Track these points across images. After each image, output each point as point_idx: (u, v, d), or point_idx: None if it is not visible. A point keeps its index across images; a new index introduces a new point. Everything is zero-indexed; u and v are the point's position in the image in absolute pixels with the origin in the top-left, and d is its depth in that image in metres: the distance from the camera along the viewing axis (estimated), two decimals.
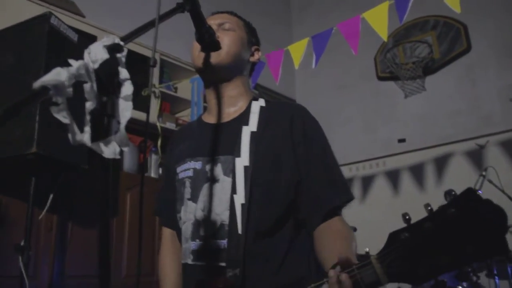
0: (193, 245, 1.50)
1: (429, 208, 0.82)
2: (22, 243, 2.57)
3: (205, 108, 3.89)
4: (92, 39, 3.46)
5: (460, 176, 5.01)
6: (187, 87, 4.20)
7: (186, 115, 4.38)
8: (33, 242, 2.82)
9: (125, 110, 1.00)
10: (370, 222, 5.16)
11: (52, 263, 3.04)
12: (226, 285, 1.34)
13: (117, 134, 0.97)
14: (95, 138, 0.96)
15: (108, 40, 1.02)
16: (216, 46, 1.59)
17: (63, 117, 0.89)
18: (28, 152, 2.51)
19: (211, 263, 1.44)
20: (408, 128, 5.65)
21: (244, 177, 1.46)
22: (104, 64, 0.97)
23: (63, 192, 3.03)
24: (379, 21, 3.01)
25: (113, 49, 1.01)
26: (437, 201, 4.72)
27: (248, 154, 1.49)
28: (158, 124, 3.92)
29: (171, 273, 1.68)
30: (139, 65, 3.97)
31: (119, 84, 1.01)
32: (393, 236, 0.94)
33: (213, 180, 1.51)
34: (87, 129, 0.92)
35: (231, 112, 1.66)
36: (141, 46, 4.03)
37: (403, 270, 0.91)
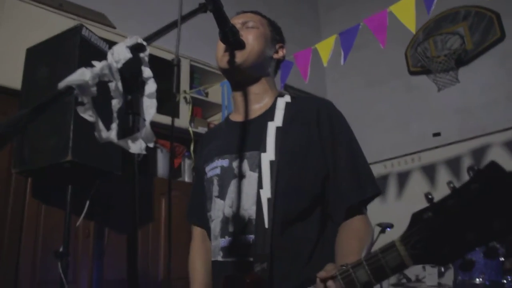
0: (222, 242, 1.51)
1: (452, 185, 0.77)
2: (60, 250, 2.63)
3: None
4: (140, 48, 3.53)
5: None
6: (218, 91, 4.24)
7: (217, 119, 4.41)
8: (71, 248, 2.88)
9: (150, 108, 1.02)
10: (407, 218, 5.09)
11: (90, 268, 3.10)
12: (253, 280, 1.34)
13: (143, 131, 0.99)
14: (122, 135, 0.98)
15: (131, 40, 1.04)
16: (241, 45, 1.60)
17: (89, 115, 0.92)
18: (63, 160, 2.56)
19: (240, 259, 1.45)
20: (442, 121, 5.55)
21: (270, 171, 1.47)
22: (128, 63, 0.99)
23: (99, 198, 3.09)
24: (406, 14, 2.97)
25: (136, 49, 1.03)
26: None
27: (274, 149, 1.50)
28: (190, 129, 3.96)
29: (201, 272, 1.71)
30: (168, 71, 4.03)
31: (143, 83, 1.03)
32: (416, 217, 0.91)
33: (240, 176, 1.52)
34: (114, 126, 0.94)
35: (256, 109, 1.67)
36: (170, 53, 4.08)
37: (428, 251, 0.88)
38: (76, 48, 2.70)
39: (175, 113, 3.90)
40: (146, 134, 0.99)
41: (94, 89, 0.88)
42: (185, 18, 1.30)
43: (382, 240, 4.47)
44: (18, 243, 2.94)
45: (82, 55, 2.68)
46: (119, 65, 0.96)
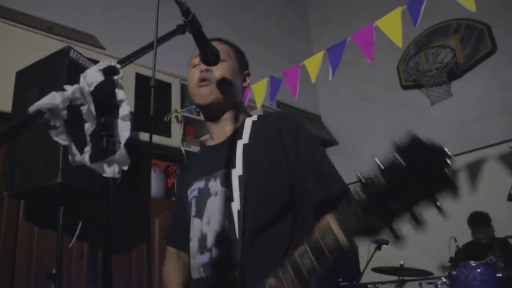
0: (202, 258, 1.55)
1: (377, 161, 0.81)
2: (53, 271, 2.62)
3: None
4: (113, 71, 3.55)
5: (494, 180, 4.90)
6: None
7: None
8: (65, 270, 2.88)
9: (124, 130, 1.03)
10: (403, 235, 5.07)
11: None
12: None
13: (117, 154, 1.00)
14: (96, 158, 0.99)
15: (104, 63, 1.05)
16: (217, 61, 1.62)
17: (62, 139, 0.92)
18: (53, 182, 2.57)
19: (220, 273, 1.49)
20: (436, 135, 5.41)
21: (239, 185, 1.54)
22: (101, 86, 1.00)
23: (92, 220, 3.08)
24: (393, 28, 3.00)
25: (109, 71, 1.04)
26: (472, 208, 4.64)
27: (242, 164, 1.57)
28: (182, 148, 3.97)
29: (175, 281, 1.76)
30: (161, 91, 4.05)
31: (116, 105, 1.04)
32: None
33: (214, 194, 1.59)
34: (87, 149, 0.95)
35: (228, 131, 1.73)
36: (162, 73, 4.11)
37: (359, 226, 0.92)
38: (64, 69, 2.72)
39: (150, 130, 3.92)
40: (121, 157, 0.99)
41: (64, 112, 0.89)
42: (162, 39, 1.31)
43: (378, 257, 4.47)
44: (11, 265, 2.94)
45: (70, 76, 2.70)
46: (92, 88, 0.97)
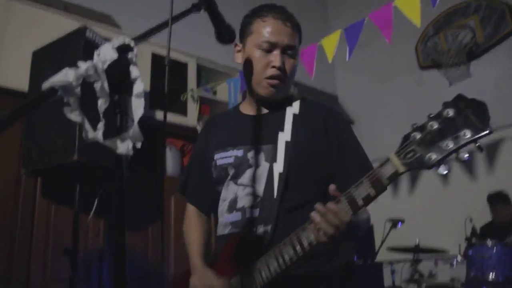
0: (230, 217, 1.64)
1: (431, 115, 1.17)
2: (70, 248, 2.67)
3: None
4: (127, 48, 3.55)
5: None
6: (225, 89, 4.25)
7: None
8: (82, 246, 2.92)
9: (138, 108, 1.03)
10: (419, 213, 5.06)
11: (101, 266, 3.14)
12: (255, 239, 1.53)
13: (131, 131, 1.00)
14: (109, 135, 0.99)
15: (118, 41, 1.05)
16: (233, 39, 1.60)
17: (75, 116, 0.93)
18: (70, 160, 2.60)
19: (247, 229, 1.58)
20: None
21: (285, 148, 1.61)
22: (114, 64, 1.00)
23: (109, 197, 3.12)
24: (411, 8, 2.93)
25: (123, 49, 1.04)
26: (490, 189, 4.60)
27: (290, 133, 1.64)
28: (198, 127, 3.99)
29: (199, 236, 1.79)
30: (177, 71, 4.05)
31: (130, 83, 1.04)
32: (406, 136, 1.20)
33: (256, 165, 1.63)
34: (100, 126, 0.95)
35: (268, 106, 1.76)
36: (179, 52, 4.10)
37: (416, 158, 1.18)
38: (81, 49, 2.74)
39: (179, 111, 3.93)
40: (134, 134, 1.00)
41: (78, 89, 0.90)
42: (176, 18, 1.31)
43: (393, 235, 4.46)
44: (29, 241, 2.99)
45: (86, 56, 2.71)
46: (105, 66, 0.97)
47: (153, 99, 3.66)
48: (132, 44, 1.05)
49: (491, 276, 3.78)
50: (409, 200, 5.39)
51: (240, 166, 1.65)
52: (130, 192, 3.31)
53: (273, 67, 1.64)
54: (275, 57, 1.64)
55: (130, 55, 1.06)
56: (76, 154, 2.59)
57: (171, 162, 3.91)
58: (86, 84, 0.95)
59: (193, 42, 4.28)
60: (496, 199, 4.56)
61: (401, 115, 5.97)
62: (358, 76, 6.51)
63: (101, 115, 0.96)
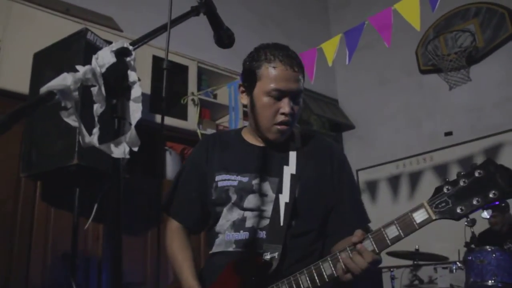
0: (237, 235, 1.67)
1: (462, 173, 1.36)
2: (69, 252, 2.66)
3: (243, 113, 3.92)
4: (126, 52, 3.53)
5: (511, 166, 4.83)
6: (226, 93, 4.24)
7: (226, 121, 4.41)
8: (81, 251, 2.91)
9: (135, 112, 1.02)
10: None
11: (99, 270, 3.13)
12: (261, 263, 1.57)
13: (127, 135, 1.00)
14: (106, 139, 0.99)
15: (116, 45, 1.05)
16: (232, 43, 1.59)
17: (72, 120, 0.92)
18: (70, 164, 2.60)
19: (253, 250, 1.63)
20: (454, 120, 5.50)
21: (290, 180, 1.69)
22: (113, 68, 1.00)
23: (108, 201, 3.11)
24: (411, 11, 2.95)
25: (121, 53, 1.04)
26: None
27: (295, 166, 1.73)
28: (198, 131, 3.98)
29: (190, 254, 1.78)
30: (177, 74, 4.05)
31: (128, 87, 1.03)
32: (438, 188, 1.36)
33: (262, 194, 1.70)
34: (95, 130, 0.95)
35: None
36: (179, 55, 4.10)
37: (447, 209, 1.33)
38: (81, 51, 2.74)
39: (179, 115, 3.93)
40: (131, 138, 0.99)
41: (76, 93, 0.89)
42: (176, 21, 1.31)
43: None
44: (28, 245, 2.98)
45: (87, 58, 2.71)
46: (103, 70, 0.97)
47: (154, 102, 3.65)
48: (130, 48, 1.05)
49: (491, 282, 3.77)
50: (409, 205, 5.33)
51: (243, 190, 1.70)
52: (130, 196, 3.32)
53: (283, 113, 1.68)
54: (285, 104, 1.67)
55: (128, 59, 1.05)
56: (75, 158, 2.58)
57: (171, 166, 3.90)
58: (84, 88, 0.95)
59: (194, 45, 4.29)
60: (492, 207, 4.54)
61: (401, 119, 5.98)
62: (359, 80, 6.52)
63: (96, 120, 0.96)
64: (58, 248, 2.95)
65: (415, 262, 4.60)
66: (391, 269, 4.81)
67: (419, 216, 1.38)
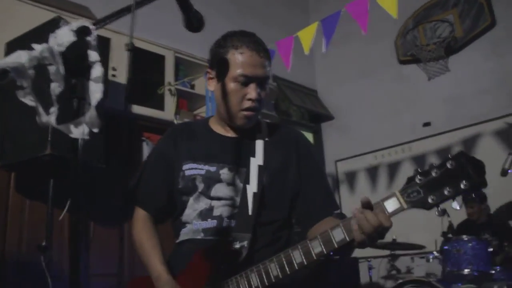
0: (204, 224, 1.69)
1: (434, 164, 1.37)
2: (43, 244, 2.62)
3: None
4: (105, 41, 3.48)
5: (489, 156, 4.84)
6: (204, 83, 4.22)
7: (204, 111, 4.39)
8: (56, 242, 2.87)
9: (96, 92, 1.00)
10: None
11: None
12: (230, 252, 1.58)
13: (87, 115, 0.98)
14: (65, 120, 0.96)
15: (76, 24, 1.02)
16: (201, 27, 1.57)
17: (29, 100, 0.90)
18: (43, 153, 2.56)
19: (221, 238, 1.64)
20: (433, 111, 5.53)
21: (258, 171, 1.72)
22: (72, 47, 0.97)
23: (84, 192, 3.07)
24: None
25: (81, 32, 1.01)
26: None
27: (262, 157, 1.75)
28: (175, 121, 3.95)
29: (157, 242, 1.76)
30: (154, 64, 4.01)
31: (88, 67, 1.01)
32: (410, 178, 1.36)
33: (230, 183, 1.72)
34: (53, 110, 0.93)
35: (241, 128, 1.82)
36: (156, 45, 4.06)
37: (419, 199, 1.33)
38: None
39: (156, 105, 3.89)
40: (91, 118, 0.97)
41: (31, 72, 0.87)
42: (141, 3, 1.28)
43: None
44: (2, 237, 2.94)
45: None
46: (62, 49, 0.95)
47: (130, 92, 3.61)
48: (91, 27, 1.03)
49: (467, 270, 3.81)
50: (387, 195, 5.41)
51: (210, 179, 1.71)
52: (106, 187, 3.26)
53: (250, 99, 1.68)
54: (252, 90, 1.68)
55: (89, 38, 1.03)
56: (48, 147, 2.55)
57: (147, 154, 3.87)
58: (42, 67, 0.92)
59: (172, 35, 4.24)
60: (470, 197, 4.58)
61: (381, 109, 6.00)
62: (338, 71, 6.52)
63: (54, 99, 0.93)
64: (33, 240, 2.91)
65: (392, 252, 4.64)
66: (368, 259, 4.85)
67: (391, 205, 1.37)
